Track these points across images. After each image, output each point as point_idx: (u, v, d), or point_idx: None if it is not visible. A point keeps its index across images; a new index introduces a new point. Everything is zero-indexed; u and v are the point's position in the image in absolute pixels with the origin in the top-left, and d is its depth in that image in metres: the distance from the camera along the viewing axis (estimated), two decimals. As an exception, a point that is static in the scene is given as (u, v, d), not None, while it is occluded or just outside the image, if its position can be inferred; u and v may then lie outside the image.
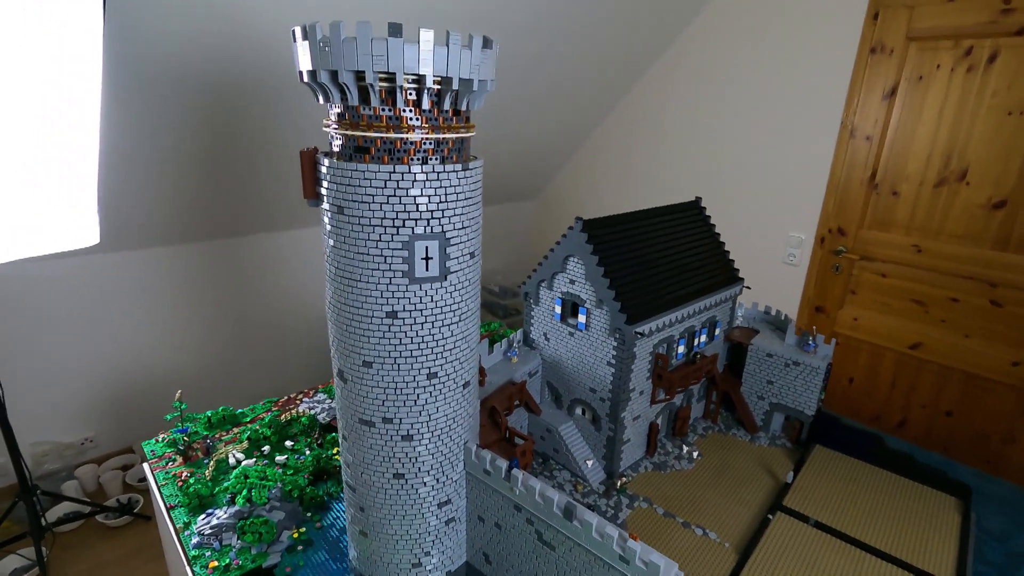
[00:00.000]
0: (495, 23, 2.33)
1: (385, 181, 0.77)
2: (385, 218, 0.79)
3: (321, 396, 1.72)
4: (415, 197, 0.79)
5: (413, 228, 0.80)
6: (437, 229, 0.82)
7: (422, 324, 0.86)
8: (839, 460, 1.44)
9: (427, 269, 0.83)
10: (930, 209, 2.40)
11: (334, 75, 0.73)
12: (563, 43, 2.68)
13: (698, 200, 1.59)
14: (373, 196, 0.78)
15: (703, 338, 1.48)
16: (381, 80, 0.73)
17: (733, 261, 1.58)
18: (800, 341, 1.51)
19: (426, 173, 0.78)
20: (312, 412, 1.61)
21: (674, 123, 3.24)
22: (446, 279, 0.85)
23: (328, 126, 0.82)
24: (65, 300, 2.43)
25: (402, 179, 0.78)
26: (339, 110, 0.80)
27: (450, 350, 0.90)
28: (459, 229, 0.84)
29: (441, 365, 0.90)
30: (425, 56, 0.71)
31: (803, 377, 1.46)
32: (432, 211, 0.81)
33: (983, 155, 2.23)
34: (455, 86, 0.76)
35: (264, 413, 1.63)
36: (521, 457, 1.06)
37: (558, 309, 1.36)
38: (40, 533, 2.03)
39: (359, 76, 0.73)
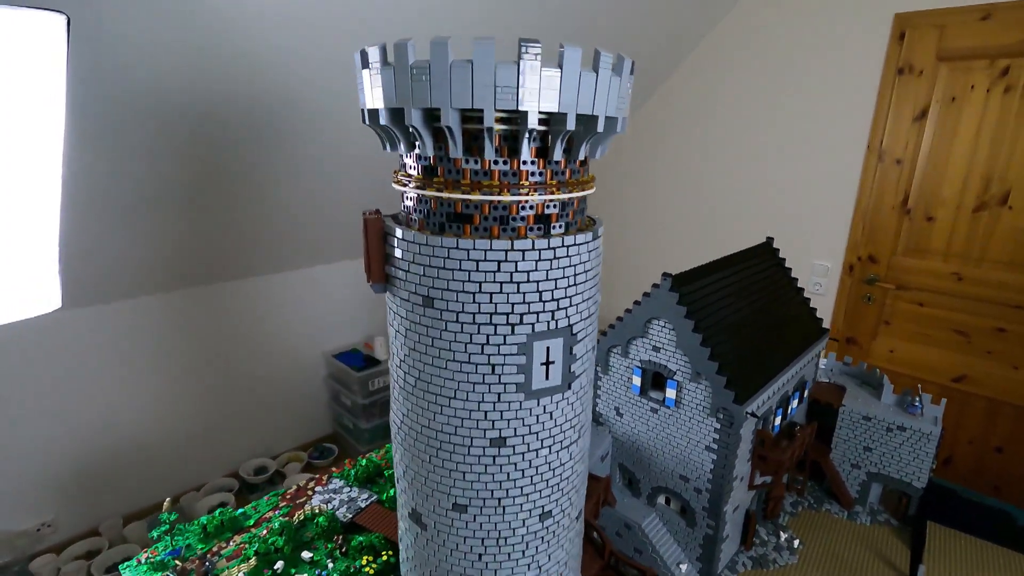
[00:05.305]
0: (502, 40, 2.14)
1: (500, 262, 0.54)
2: (496, 312, 0.56)
3: (336, 483, 1.44)
4: (538, 282, 0.56)
5: (534, 324, 0.57)
6: (563, 323, 0.59)
7: (536, 450, 0.62)
8: (963, 542, 1.24)
9: (547, 377, 0.60)
10: (970, 235, 2.27)
11: (431, 115, 0.51)
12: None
13: (770, 241, 1.40)
14: (480, 284, 0.55)
15: (794, 403, 1.28)
16: (499, 122, 0.51)
17: (816, 309, 1.39)
18: (901, 400, 1.31)
19: (554, 248, 0.56)
20: (330, 508, 1.33)
21: (692, 146, 3.09)
22: (569, 387, 0.62)
23: (404, 183, 0.59)
24: (23, 366, 2.10)
25: (523, 258, 0.55)
26: (428, 163, 0.56)
27: (567, 478, 0.66)
28: (586, 319, 0.62)
29: (557, 500, 0.66)
30: (570, 86, 0.49)
31: (911, 444, 1.27)
32: (559, 299, 0.58)
33: (1028, 178, 2.12)
34: (600, 127, 0.54)
35: (270, 512, 1.35)
36: (640, 597, 0.82)
37: (637, 381, 1.14)
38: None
39: (466, 116, 0.50)
